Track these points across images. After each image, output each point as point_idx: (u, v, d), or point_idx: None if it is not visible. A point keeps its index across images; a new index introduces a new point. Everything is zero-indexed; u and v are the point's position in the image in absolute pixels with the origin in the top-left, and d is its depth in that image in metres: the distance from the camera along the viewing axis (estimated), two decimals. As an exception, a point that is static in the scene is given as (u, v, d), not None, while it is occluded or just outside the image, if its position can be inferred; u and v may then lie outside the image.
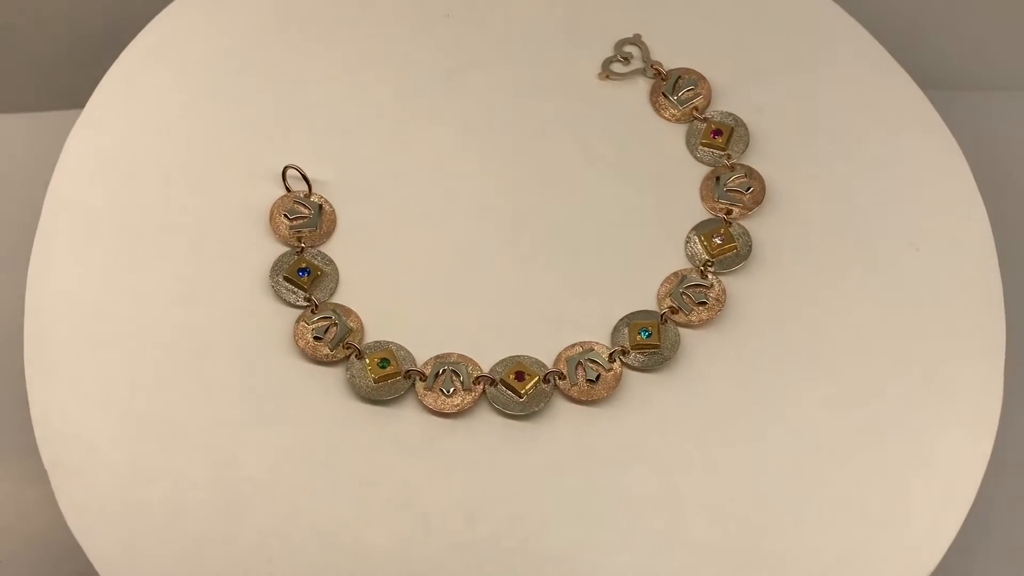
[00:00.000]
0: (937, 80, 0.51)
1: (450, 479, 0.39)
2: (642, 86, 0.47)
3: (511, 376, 0.40)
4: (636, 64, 0.48)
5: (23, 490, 0.48)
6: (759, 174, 0.44)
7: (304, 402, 0.40)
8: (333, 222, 0.44)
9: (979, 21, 0.60)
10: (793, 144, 0.45)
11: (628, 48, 0.48)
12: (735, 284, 0.42)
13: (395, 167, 0.46)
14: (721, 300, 0.41)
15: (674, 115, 0.46)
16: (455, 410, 0.40)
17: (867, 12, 0.49)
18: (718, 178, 0.44)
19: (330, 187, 0.45)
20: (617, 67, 0.48)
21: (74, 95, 0.50)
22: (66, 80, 0.60)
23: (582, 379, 0.40)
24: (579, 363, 0.40)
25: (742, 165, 0.44)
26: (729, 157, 0.45)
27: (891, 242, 0.43)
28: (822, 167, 0.45)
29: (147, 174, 0.45)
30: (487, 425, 0.40)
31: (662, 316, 0.41)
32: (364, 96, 0.47)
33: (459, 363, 0.40)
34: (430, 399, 0.40)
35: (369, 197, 0.45)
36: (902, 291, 0.42)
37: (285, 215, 0.44)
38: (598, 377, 0.40)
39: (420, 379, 0.40)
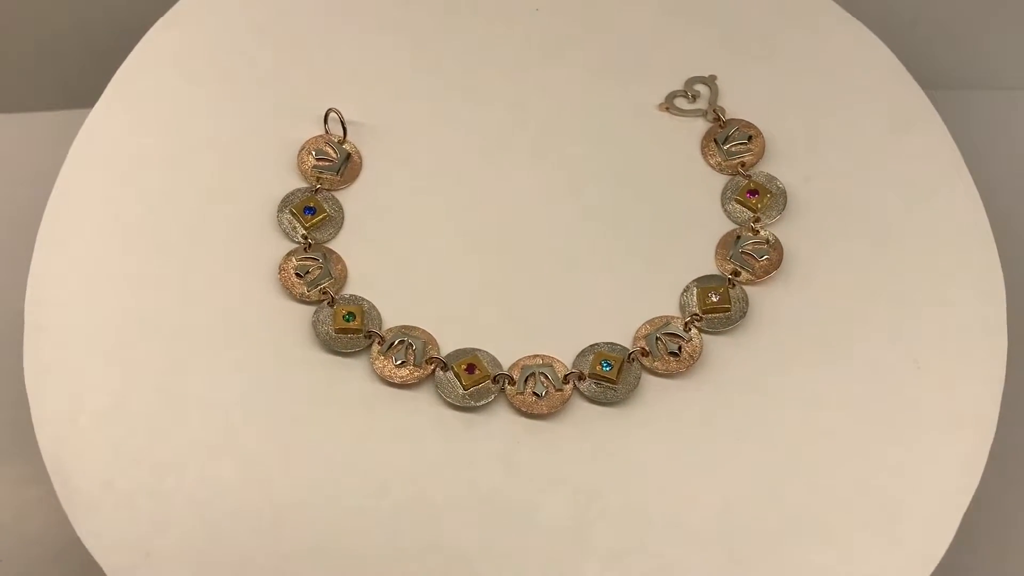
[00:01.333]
0: (934, 80, 0.50)
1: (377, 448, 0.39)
2: (698, 127, 0.46)
3: (463, 367, 0.40)
4: (700, 104, 0.47)
5: (23, 490, 0.49)
6: (780, 245, 0.42)
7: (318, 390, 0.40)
8: (357, 172, 0.45)
9: (980, 20, 0.60)
10: (830, 222, 0.44)
11: (698, 86, 0.47)
12: (721, 343, 0.41)
13: (434, 142, 0.46)
14: (694, 356, 0.40)
15: (719, 164, 0.45)
16: (400, 381, 0.40)
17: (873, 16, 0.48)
18: (738, 237, 0.43)
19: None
20: (681, 102, 0.47)
21: (80, 95, 0.50)
22: (71, 80, 0.60)
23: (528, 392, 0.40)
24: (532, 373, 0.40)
25: (767, 232, 0.43)
26: (758, 220, 0.43)
27: (890, 241, 0.43)
28: (854, 243, 0.43)
29: (156, 174, 0.44)
30: (428, 406, 0.40)
31: (630, 354, 0.40)
32: (413, 67, 0.47)
33: (416, 336, 0.40)
34: (380, 364, 0.40)
35: (401, 163, 0.45)
36: (901, 291, 0.42)
37: (313, 152, 0.45)
38: (546, 393, 0.39)
39: (379, 343, 0.40)
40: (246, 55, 0.47)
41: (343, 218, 0.44)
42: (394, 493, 0.38)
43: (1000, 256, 0.42)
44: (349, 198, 0.45)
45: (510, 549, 0.37)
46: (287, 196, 0.44)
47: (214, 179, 0.44)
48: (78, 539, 0.37)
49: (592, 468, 0.39)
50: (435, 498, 0.38)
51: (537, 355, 0.40)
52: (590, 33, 0.48)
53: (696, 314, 0.41)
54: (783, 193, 0.44)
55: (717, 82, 0.47)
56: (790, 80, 0.47)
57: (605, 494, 0.38)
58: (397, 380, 0.40)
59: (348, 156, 0.45)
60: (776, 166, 0.45)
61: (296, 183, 0.45)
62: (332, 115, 0.45)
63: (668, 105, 0.47)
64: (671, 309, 0.42)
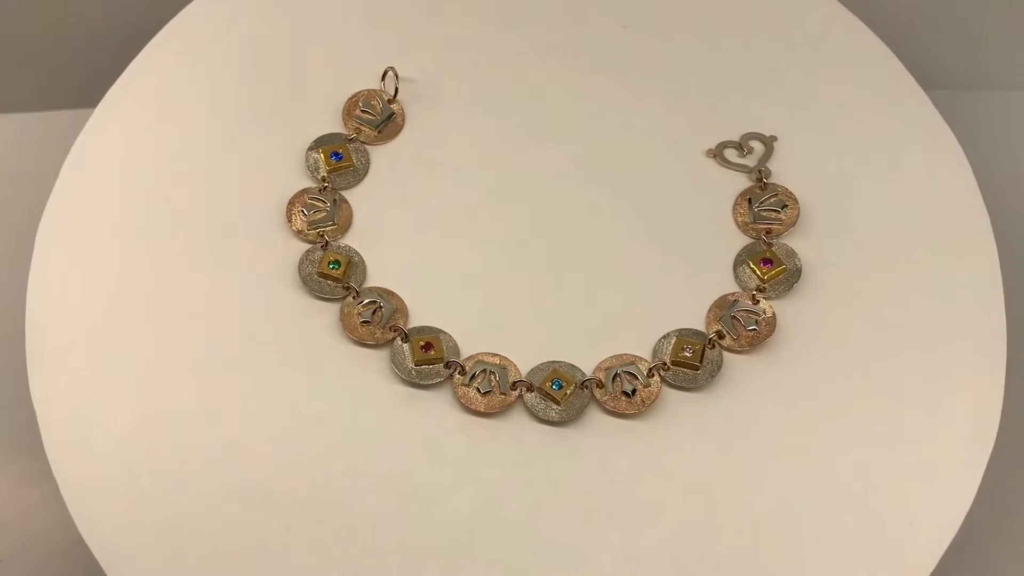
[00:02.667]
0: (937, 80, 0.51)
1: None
2: (739, 181, 0.45)
3: (420, 342, 0.40)
4: (749, 160, 0.45)
5: (26, 489, 0.48)
6: (775, 321, 0.41)
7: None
8: (396, 131, 0.46)
9: (981, 20, 0.59)
10: (843, 300, 0.42)
11: (754, 142, 0.46)
12: (681, 398, 0.40)
13: (476, 126, 0.46)
14: (646, 402, 0.39)
15: (744, 224, 0.44)
16: (358, 339, 0.40)
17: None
18: (735, 301, 0.41)
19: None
20: (731, 154, 0.46)
21: (82, 95, 0.50)
22: (73, 80, 0.60)
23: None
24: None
25: (767, 303, 0.41)
26: (762, 291, 0.42)
27: (891, 241, 0.43)
28: (855, 326, 0.41)
29: (159, 174, 0.44)
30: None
31: (583, 382, 0.40)
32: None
33: (389, 301, 0.41)
34: (349, 315, 0.41)
35: (439, 138, 0.46)
36: (903, 290, 0.42)
37: (361, 106, 0.46)
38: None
39: (354, 297, 0.41)
40: (256, 58, 0.47)
41: (367, 171, 0.45)
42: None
43: (1001, 257, 0.43)
44: (380, 154, 0.46)
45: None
46: (321, 137, 0.45)
47: (218, 180, 0.44)
48: (81, 539, 0.37)
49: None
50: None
51: (496, 354, 0.40)
52: (668, 61, 0.48)
53: (664, 363, 0.40)
54: (798, 271, 0.42)
55: (775, 143, 0.46)
56: (851, 154, 0.45)
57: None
58: (355, 337, 0.41)
59: (391, 115, 0.46)
60: (804, 239, 0.43)
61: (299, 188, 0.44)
62: (389, 74, 0.46)
63: (716, 153, 0.46)
64: (645, 351, 0.41)
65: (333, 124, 0.46)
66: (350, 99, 0.46)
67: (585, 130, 0.46)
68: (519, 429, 0.39)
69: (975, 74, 0.60)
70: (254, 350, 0.40)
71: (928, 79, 0.47)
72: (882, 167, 0.45)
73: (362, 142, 0.45)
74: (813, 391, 0.40)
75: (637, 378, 0.40)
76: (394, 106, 0.46)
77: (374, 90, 0.46)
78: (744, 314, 0.41)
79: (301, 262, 0.42)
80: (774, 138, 0.46)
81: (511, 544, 0.37)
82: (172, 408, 0.39)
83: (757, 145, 0.46)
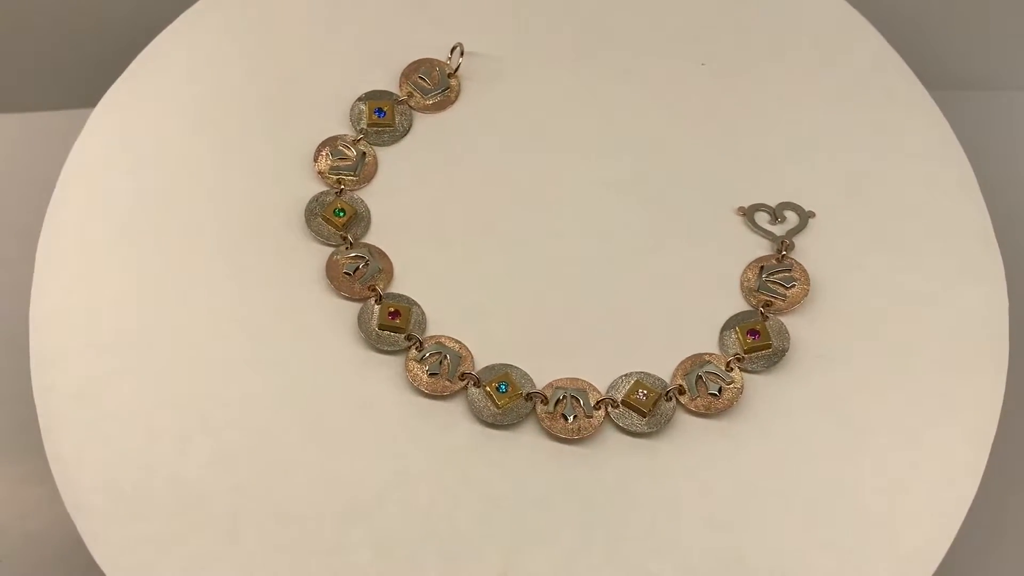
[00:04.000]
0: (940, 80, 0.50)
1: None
2: (760, 246, 0.44)
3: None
4: (777, 230, 0.44)
5: (26, 489, 0.48)
6: (741, 390, 0.40)
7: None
8: (448, 104, 0.46)
9: (983, 20, 0.59)
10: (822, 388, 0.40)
11: (788, 212, 0.45)
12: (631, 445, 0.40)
13: (522, 127, 0.46)
14: (588, 430, 0.39)
15: (748, 291, 0.42)
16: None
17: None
18: (707, 363, 0.40)
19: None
20: (760, 218, 0.44)
21: (83, 94, 0.49)
22: (74, 79, 0.59)
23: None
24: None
25: (740, 375, 0.40)
26: (740, 360, 0.41)
27: (894, 241, 0.43)
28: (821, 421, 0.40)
29: (162, 173, 0.44)
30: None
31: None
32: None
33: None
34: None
35: (489, 124, 0.46)
36: (904, 290, 0.42)
37: (421, 72, 0.47)
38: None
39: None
40: (257, 59, 0.47)
41: (405, 135, 0.46)
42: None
43: (1003, 257, 0.43)
44: (425, 122, 0.46)
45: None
46: (372, 92, 0.46)
47: (223, 178, 0.44)
48: (80, 540, 0.37)
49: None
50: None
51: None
52: (733, 107, 0.47)
53: (614, 400, 0.40)
54: (782, 352, 0.41)
55: (811, 220, 0.44)
56: (885, 232, 0.44)
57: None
58: (341, 291, 0.41)
59: (447, 88, 0.47)
60: (806, 320, 0.42)
61: (307, 191, 0.44)
62: (457, 49, 0.47)
63: (745, 212, 0.44)
64: (603, 383, 0.40)
65: (338, 127, 0.45)
66: (412, 63, 0.47)
67: (628, 151, 0.46)
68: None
69: (978, 74, 0.61)
70: (264, 349, 0.40)
71: (931, 79, 0.48)
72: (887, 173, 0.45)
73: (410, 107, 0.46)
74: (765, 466, 0.39)
75: (580, 405, 0.39)
76: (452, 80, 0.47)
77: (438, 60, 0.47)
78: (712, 377, 0.40)
79: (310, 203, 0.43)
80: (811, 214, 0.44)
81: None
82: (174, 409, 0.39)
83: (791, 215, 0.45)
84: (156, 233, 0.43)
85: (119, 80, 0.46)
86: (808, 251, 0.43)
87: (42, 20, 0.59)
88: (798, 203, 0.44)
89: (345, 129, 0.45)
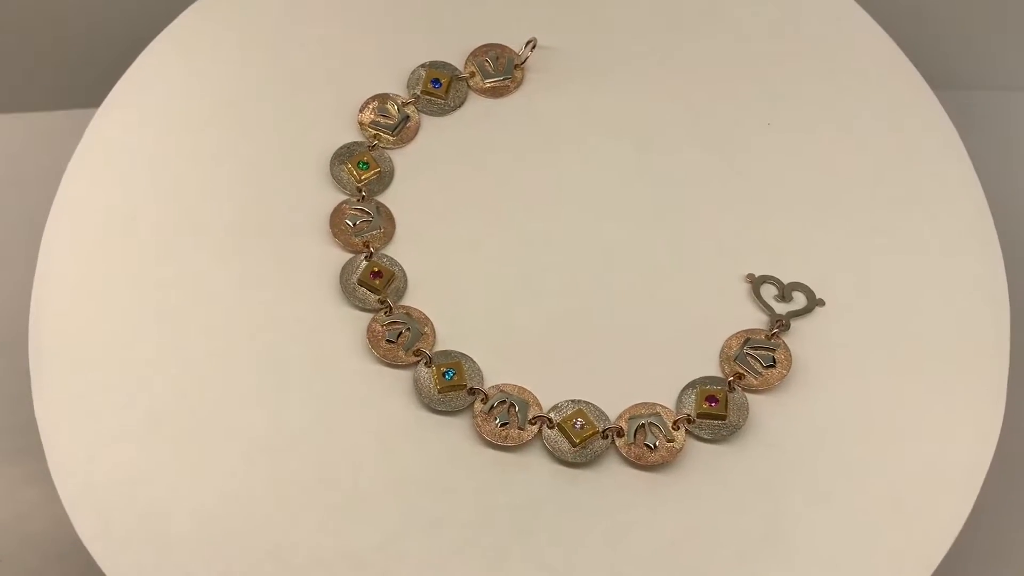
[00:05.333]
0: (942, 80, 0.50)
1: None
2: (755, 316, 0.43)
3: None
4: (780, 308, 0.43)
5: (23, 490, 0.48)
6: (680, 451, 0.39)
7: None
8: (510, 90, 0.47)
9: (986, 19, 0.60)
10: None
11: (797, 292, 0.43)
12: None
13: (570, 136, 0.46)
14: (523, 439, 0.40)
15: (725, 359, 0.41)
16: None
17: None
18: (655, 414, 0.40)
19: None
20: (765, 291, 0.43)
21: (87, 94, 0.49)
22: (77, 79, 0.58)
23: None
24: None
25: (682, 436, 0.40)
26: (690, 422, 0.40)
27: (896, 240, 0.44)
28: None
29: (166, 173, 0.44)
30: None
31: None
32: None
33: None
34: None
35: (532, 119, 0.46)
36: (907, 289, 0.43)
37: (489, 56, 0.47)
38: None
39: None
40: (263, 55, 0.47)
41: (455, 109, 0.46)
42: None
43: (1005, 258, 0.43)
44: (478, 103, 0.47)
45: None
46: (436, 62, 0.47)
47: (229, 179, 0.44)
48: (80, 541, 0.37)
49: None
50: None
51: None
52: (784, 169, 0.46)
53: (550, 419, 0.40)
54: (735, 427, 0.40)
55: (820, 308, 0.43)
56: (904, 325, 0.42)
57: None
58: (341, 242, 0.42)
59: (509, 76, 0.47)
60: (776, 403, 0.41)
61: (321, 194, 0.44)
62: (531, 43, 0.47)
63: (753, 281, 0.44)
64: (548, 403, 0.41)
65: (342, 130, 0.45)
66: (484, 45, 0.48)
67: (657, 178, 0.45)
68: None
69: (981, 74, 0.61)
70: (269, 356, 0.40)
71: (936, 79, 0.48)
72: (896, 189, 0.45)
73: (469, 85, 0.47)
74: (680, 530, 0.38)
75: (516, 412, 0.40)
76: (517, 71, 0.47)
77: (510, 49, 0.48)
78: (654, 429, 0.40)
79: (340, 150, 0.45)
80: (820, 302, 0.43)
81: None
82: (175, 411, 0.39)
83: (800, 296, 0.44)
84: (160, 235, 0.43)
85: (122, 79, 0.46)
86: (762, 417, 0.41)
87: (44, 19, 0.59)
88: (808, 275, 0.43)
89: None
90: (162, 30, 0.47)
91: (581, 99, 0.47)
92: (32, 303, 0.41)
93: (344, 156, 0.44)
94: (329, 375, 0.40)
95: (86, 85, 0.50)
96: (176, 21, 0.47)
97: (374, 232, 0.43)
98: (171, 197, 0.44)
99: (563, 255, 0.43)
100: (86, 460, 0.38)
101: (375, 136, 0.45)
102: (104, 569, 0.37)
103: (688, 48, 0.48)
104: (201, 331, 0.41)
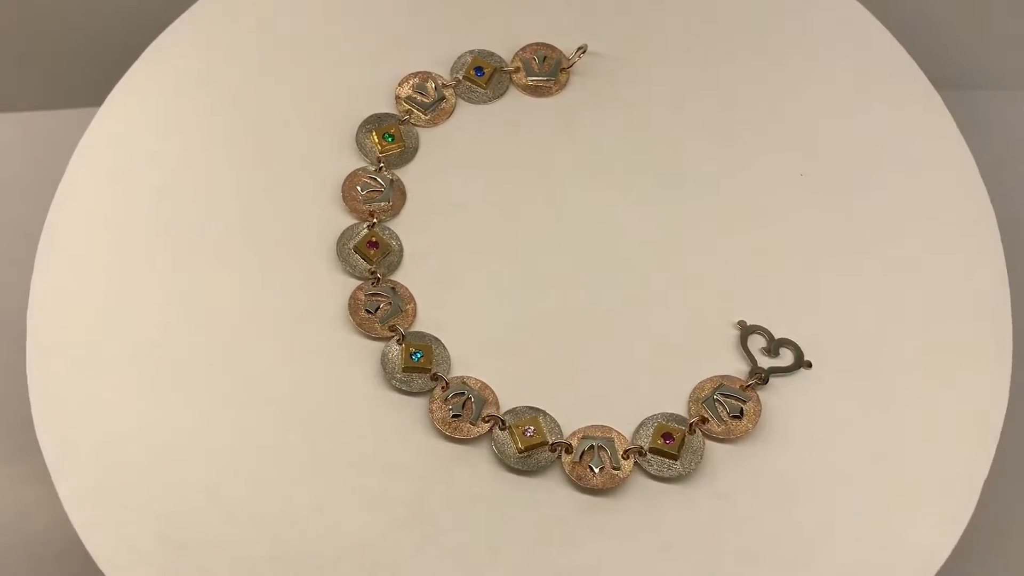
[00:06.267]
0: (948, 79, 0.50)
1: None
2: (735, 364, 0.42)
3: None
4: (764, 361, 0.42)
5: (23, 490, 0.48)
6: (622, 477, 0.39)
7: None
8: (551, 91, 0.47)
9: (990, 18, 0.60)
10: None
11: (784, 349, 0.43)
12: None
13: (604, 149, 0.46)
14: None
15: (695, 398, 0.41)
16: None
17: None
18: (607, 441, 0.40)
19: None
20: (754, 342, 0.42)
21: (86, 94, 0.49)
22: (77, 78, 0.58)
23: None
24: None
25: (626, 464, 0.39)
26: (640, 454, 0.39)
27: (898, 240, 0.44)
28: None
29: (166, 174, 0.44)
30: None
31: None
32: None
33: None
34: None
35: (556, 126, 0.46)
36: (909, 289, 0.43)
37: (537, 55, 0.47)
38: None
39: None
40: (265, 54, 0.47)
41: (492, 100, 0.47)
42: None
43: (1007, 258, 0.43)
44: (516, 100, 0.47)
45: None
46: (483, 51, 0.47)
47: (230, 180, 0.44)
48: (79, 539, 0.37)
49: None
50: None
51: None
52: (797, 206, 0.45)
53: (502, 421, 0.40)
54: (684, 474, 0.39)
55: (806, 370, 0.42)
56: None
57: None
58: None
59: (554, 77, 0.47)
60: (737, 455, 0.40)
61: (327, 210, 0.44)
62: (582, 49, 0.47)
63: (743, 329, 0.43)
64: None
65: (378, 103, 0.46)
66: (534, 44, 0.48)
67: (674, 199, 0.45)
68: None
69: (984, 73, 0.61)
70: (267, 360, 0.40)
71: (940, 79, 0.48)
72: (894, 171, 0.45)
73: (512, 80, 0.47)
74: (607, 557, 0.38)
75: (472, 404, 0.40)
76: (562, 74, 0.47)
77: (560, 51, 0.48)
78: (603, 452, 0.40)
79: (370, 118, 0.45)
80: (807, 364, 0.42)
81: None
82: (173, 413, 0.39)
83: (788, 353, 0.43)
84: (161, 235, 0.43)
85: (124, 79, 0.46)
86: (785, 393, 0.41)
87: (45, 18, 0.58)
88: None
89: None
90: (165, 28, 0.47)
91: (618, 116, 0.47)
92: (30, 302, 0.41)
93: (372, 125, 0.45)
94: (305, 337, 0.41)
95: (88, 84, 0.50)
96: (179, 19, 0.47)
97: (382, 203, 0.44)
98: (174, 197, 0.43)
99: (563, 265, 0.43)
100: (85, 459, 0.39)
101: (408, 111, 0.46)
102: (102, 568, 0.37)
103: (723, 75, 0.48)
104: (202, 334, 0.41)
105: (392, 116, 0.46)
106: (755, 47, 0.48)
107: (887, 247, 0.44)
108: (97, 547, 0.37)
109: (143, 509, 0.38)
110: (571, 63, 0.47)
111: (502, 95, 0.47)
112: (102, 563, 0.37)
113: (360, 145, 0.45)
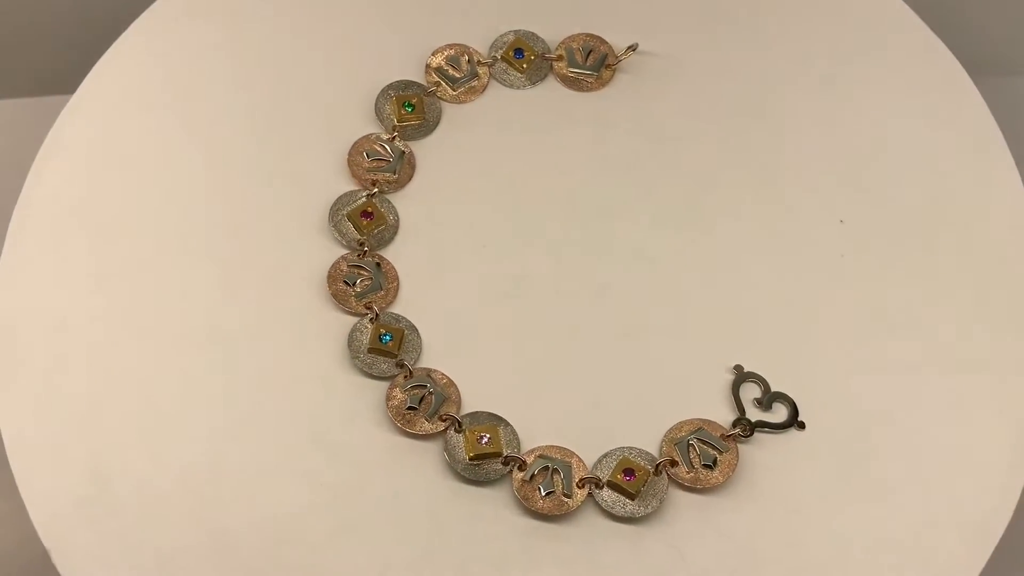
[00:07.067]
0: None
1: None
2: (723, 410, 0.39)
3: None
4: (754, 412, 0.39)
5: None
6: (573, 506, 0.37)
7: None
8: (591, 86, 0.44)
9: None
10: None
11: (779, 404, 0.39)
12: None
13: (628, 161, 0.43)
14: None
15: (668, 438, 0.38)
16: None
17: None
18: (564, 464, 0.37)
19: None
20: (746, 391, 0.39)
21: (58, 82, 0.46)
22: (51, 65, 0.56)
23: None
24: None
25: (579, 493, 0.37)
26: (597, 485, 0.37)
27: (934, 232, 0.42)
28: None
29: (142, 166, 0.42)
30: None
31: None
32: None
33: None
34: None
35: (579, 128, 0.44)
36: (933, 368, 0.40)
37: (582, 47, 0.45)
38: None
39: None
40: (244, 43, 0.44)
41: (527, 87, 0.44)
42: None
43: None
44: (554, 90, 0.44)
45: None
46: (526, 33, 0.45)
47: (206, 172, 0.42)
48: (47, 554, 0.36)
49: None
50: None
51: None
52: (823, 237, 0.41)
53: (458, 421, 0.38)
54: (640, 515, 0.37)
55: (797, 431, 0.39)
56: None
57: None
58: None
59: (597, 72, 0.44)
60: (701, 506, 0.37)
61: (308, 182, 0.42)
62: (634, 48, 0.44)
63: (738, 374, 0.40)
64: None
65: (362, 99, 0.43)
66: (581, 34, 0.45)
67: (692, 220, 0.42)
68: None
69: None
70: (241, 363, 0.39)
71: (974, 65, 0.46)
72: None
73: (553, 69, 0.45)
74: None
75: (431, 403, 0.38)
76: (607, 70, 0.44)
77: (608, 44, 0.45)
78: (557, 476, 0.37)
79: (392, 86, 0.43)
80: (799, 425, 0.39)
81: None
82: (143, 423, 0.38)
83: (782, 408, 0.39)
84: (136, 232, 0.40)
85: (97, 66, 0.43)
86: (770, 450, 0.38)
87: (16, 4, 0.56)
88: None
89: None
90: (140, 14, 0.45)
91: (653, 128, 0.44)
92: None
93: (394, 91, 0.43)
94: (277, 300, 0.39)
95: (58, 72, 0.48)
96: (151, 7, 0.45)
97: (387, 174, 0.42)
98: (150, 190, 0.41)
99: (562, 276, 0.41)
100: (54, 473, 0.37)
101: (436, 83, 0.44)
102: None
103: (775, 99, 0.44)
104: (173, 335, 0.39)
105: (418, 85, 0.44)
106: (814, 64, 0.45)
107: (924, 314, 0.40)
108: (66, 563, 0.36)
109: (112, 525, 0.36)
110: (618, 60, 0.44)
111: (539, 82, 0.45)
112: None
113: (378, 111, 0.43)
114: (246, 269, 0.40)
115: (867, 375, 0.40)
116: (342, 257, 0.40)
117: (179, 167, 0.42)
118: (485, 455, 0.37)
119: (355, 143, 0.42)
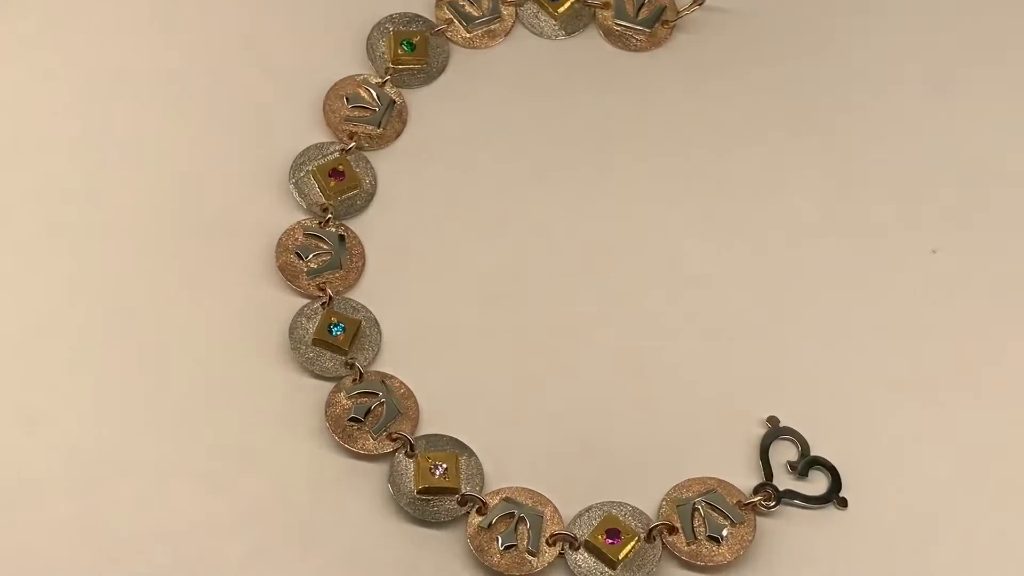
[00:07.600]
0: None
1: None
2: (746, 471, 0.31)
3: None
4: (784, 479, 0.31)
5: None
6: (546, 562, 0.30)
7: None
8: (642, 45, 0.37)
9: None
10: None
11: (817, 471, 0.31)
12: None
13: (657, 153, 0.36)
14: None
15: (673, 499, 0.30)
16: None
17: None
18: (518, 515, 0.30)
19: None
20: (778, 451, 0.31)
21: None
22: None
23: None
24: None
25: (549, 551, 0.30)
26: (571, 544, 0.30)
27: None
28: None
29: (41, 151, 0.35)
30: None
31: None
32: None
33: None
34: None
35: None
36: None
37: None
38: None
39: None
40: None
41: (561, 36, 0.37)
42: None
43: None
44: (591, 43, 0.37)
45: None
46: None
47: (151, 147, 0.35)
48: None
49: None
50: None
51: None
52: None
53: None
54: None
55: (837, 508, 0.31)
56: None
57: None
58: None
59: (651, 30, 0.36)
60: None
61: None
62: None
63: (770, 428, 0.32)
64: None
65: (355, 35, 0.36)
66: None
67: (744, 257, 0.35)
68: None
69: None
70: (153, 339, 0.33)
71: None
72: None
73: (594, 16, 0.37)
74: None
75: (382, 423, 0.31)
76: (662, 27, 0.37)
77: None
78: (522, 528, 0.30)
79: (393, 18, 0.36)
80: (843, 503, 0.31)
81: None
82: (88, 427, 0.32)
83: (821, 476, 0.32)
84: (79, 222, 0.34)
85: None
86: (797, 523, 0.31)
87: None
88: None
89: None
90: None
91: (711, 110, 0.36)
92: None
93: (393, 24, 0.36)
94: (214, 270, 0.33)
95: None
96: None
97: (370, 127, 0.35)
98: (88, 174, 0.35)
99: (565, 277, 0.35)
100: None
101: (448, 21, 0.36)
102: None
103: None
104: (110, 330, 0.33)
105: (424, 20, 0.36)
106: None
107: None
108: None
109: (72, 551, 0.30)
110: (679, 16, 0.37)
111: (575, 33, 0.37)
112: None
113: (370, 48, 0.36)
114: (179, 227, 0.34)
115: (937, 445, 0.32)
116: (299, 223, 0.33)
117: (124, 94, 0.35)
118: (438, 489, 0.30)
119: (335, 84, 0.35)
